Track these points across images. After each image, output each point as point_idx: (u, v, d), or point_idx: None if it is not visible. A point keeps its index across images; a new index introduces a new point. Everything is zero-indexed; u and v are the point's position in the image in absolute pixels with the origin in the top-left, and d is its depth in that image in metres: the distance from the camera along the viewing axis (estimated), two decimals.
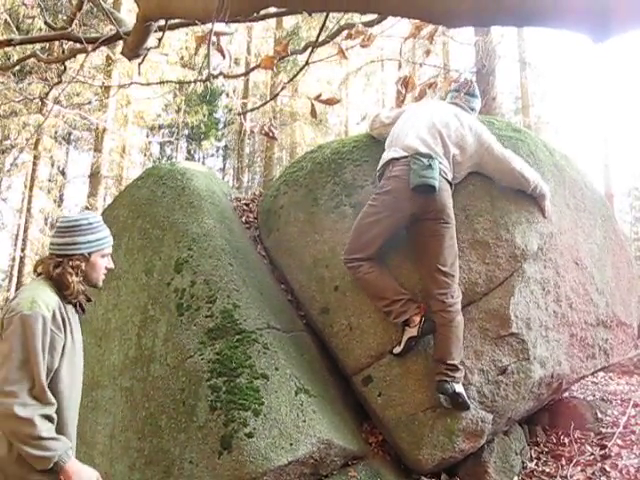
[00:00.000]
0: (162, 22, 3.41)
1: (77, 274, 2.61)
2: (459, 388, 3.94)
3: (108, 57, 13.55)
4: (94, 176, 14.22)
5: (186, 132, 29.75)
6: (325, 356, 4.52)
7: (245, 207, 5.46)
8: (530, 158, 4.66)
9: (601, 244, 5.04)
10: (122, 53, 3.11)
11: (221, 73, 4.40)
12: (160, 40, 3.42)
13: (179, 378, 3.97)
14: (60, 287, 2.56)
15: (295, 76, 3.73)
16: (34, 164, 17.17)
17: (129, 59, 2.51)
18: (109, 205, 5.60)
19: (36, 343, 2.35)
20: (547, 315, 4.42)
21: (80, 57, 15.25)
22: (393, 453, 4.26)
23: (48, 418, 2.38)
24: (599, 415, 5.30)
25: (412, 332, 4.04)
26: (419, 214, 4.05)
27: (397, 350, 4.12)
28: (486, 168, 4.40)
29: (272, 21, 16.90)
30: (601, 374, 6.99)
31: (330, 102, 3.04)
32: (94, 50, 3.84)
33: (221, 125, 28.13)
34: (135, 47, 2.74)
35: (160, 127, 21.46)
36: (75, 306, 2.68)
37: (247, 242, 4.99)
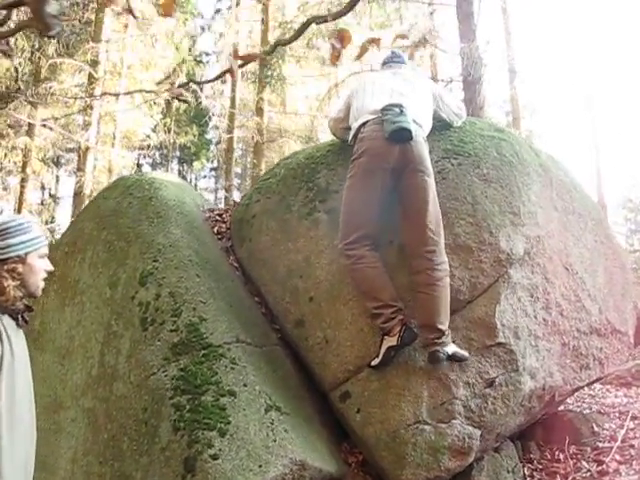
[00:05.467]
0: None
1: (13, 278, 2.38)
2: (451, 348, 3.74)
3: (90, 75, 13.45)
4: (77, 196, 14.04)
5: (177, 153, 29.73)
6: (301, 371, 4.27)
7: (218, 217, 5.24)
8: (514, 158, 4.45)
9: (592, 248, 4.81)
10: (30, 25, 2.83)
11: (191, 80, 4.20)
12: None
13: (142, 397, 3.72)
14: None
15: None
16: (22, 187, 16.98)
17: (42, 33, 2.27)
18: (75, 218, 5.38)
19: None
20: (536, 323, 4.18)
21: (63, 77, 15.29)
22: (374, 473, 3.99)
23: None
24: (596, 429, 5.07)
25: (391, 341, 3.78)
26: (400, 168, 3.88)
27: (375, 362, 3.86)
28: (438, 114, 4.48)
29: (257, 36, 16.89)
30: (598, 386, 6.76)
31: (249, 58, 2.81)
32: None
33: (212, 146, 28.08)
34: (38, 11, 2.44)
35: (149, 147, 21.34)
36: (14, 318, 2.44)
37: (218, 253, 4.76)
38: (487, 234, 4.11)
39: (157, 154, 30.61)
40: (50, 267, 2.59)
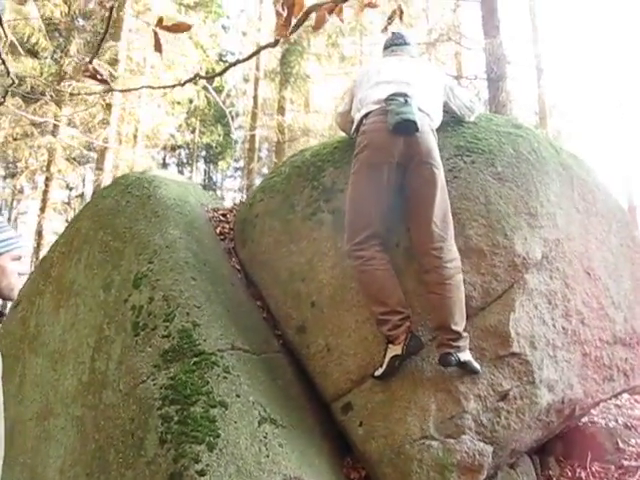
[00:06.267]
0: None
1: None
2: (465, 356, 3.51)
3: (110, 74, 13.40)
4: None
5: (203, 153, 29.77)
6: (303, 380, 4.04)
7: (222, 217, 5.04)
8: (532, 156, 4.19)
9: (617, 252, 4.54)
10: None
11: (197, 75, 4.01)
12: None
13: (130, 406, 3.51)
14: None
15: None
16: (46, 186, 17.03)
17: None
18: (73, 217, 5.22)
19: None
20: (555, 332, 3.92)
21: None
22: None
23: None
24: (621, 445, 4.76)
25: (396, 350, 3.55)
26: (406, 161, 3.67)
27: (379, 372, 3.62)
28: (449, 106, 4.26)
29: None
30: (625, 396, 6.42)
31: (177, 29, 2.57)
32: None
33: (237, 146, 28.06)
34: None
35: (175, 148, 21.36)
36: None
37: (219, 255, 4.55)
38: (501, 236, 3.86)
39: (183, 154, 30.75)
40: (25, 269, 2.40)
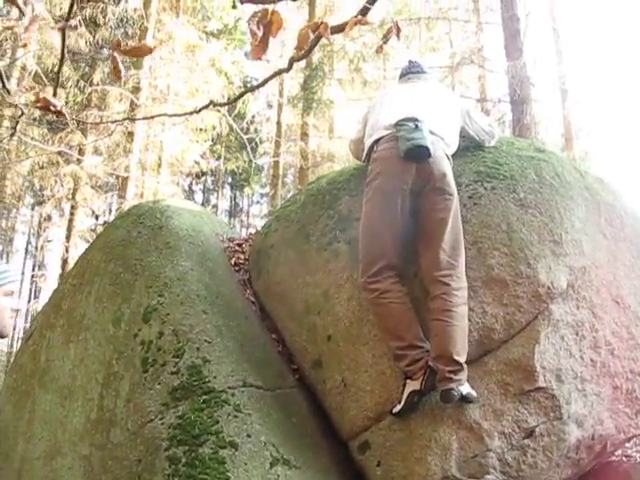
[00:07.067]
0: None
1: None
2: (466, 389, 3.35)
3: (132, 102, 13.53)
4: None
5: (229, 179, 29.91)
6: (319, 417, 3.88)
7: (237, 248, 4.93)
8: (555, 180, 4.04)
9: None
10: None
11: (211, 102, 3.93)
12: None
13: (137, 446, 3.39)
14: None
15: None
16: (72, 214, 17.18)
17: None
18: (86, 249, 5.14)
19: None
20: (583, 365, 3.75)
21: (109, 104, 15.44)
22: None
23: None
24: None
25: (415, 385, 3.39)
26: (419, 187, 3.57)
27: (397, 409, 3.46)
28: (466, 131, 4.15)
29: (302, 62, 16.77)
30: None
31: (137, 52, 2.45)
32: None
33: (263, 172, 28.16)
34: None
35: (200, 174, 21.49)
36: None
37: (233, 286, 4.43)
38: (524, 266, 3.70)
39: (209, 180, 30.95)
40: (17, 306, 2.29)
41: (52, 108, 2.43)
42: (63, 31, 2.93)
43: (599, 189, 4.39)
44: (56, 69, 13.58)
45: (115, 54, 2.36)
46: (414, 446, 3.45)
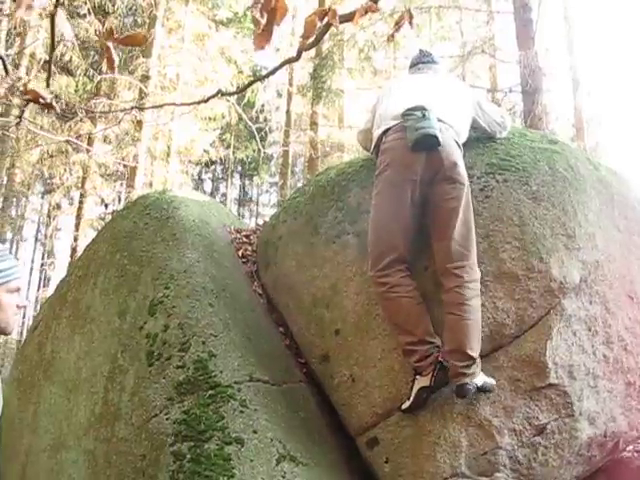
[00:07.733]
0: None
1: None
2: (480, 380, 3.30)
3: (141, 91, 13.49)
4: None
5: (239, 168, 29.87)
6: (327, 412, 3.84)
7: (245, 239, 4.87)
8: (569, 173, 3.96)
9: None
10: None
11: (219, 91, 3.85)
12: None
13: (142, 442, 3.35)
14: None
15: None
16: (81, 202, 17.18)
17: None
18: (92, 239, 5.09)
19: None
20: (595, 361, 3.68)
21: (119, 93, 15.38)
22: None
23: None
24: None
25: (424, 381, 3.33)
26: (429, 177, 3.49)
27: (406, 405, 3.40)
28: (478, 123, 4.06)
29: (311, 51, 16.66)
30: None
31: (131, 41, 2.37)
32: None
33: (273, 161, 28.10)
34: None
35: (210, 163, 21.45)
36: None
37: (240, 279, 4.38)
38: (536, 260, 3.63)
39: (218, 169, 30.92)
40: (23, 303, 2.25)
41: (41, 101, 2.36)
42: (52, 17, 2.84)
43: (612, 181, 4.31)
44: (65, 57, 13.61)
45: (108, 44, 2.28)
46: (423, 443, 3.40)
